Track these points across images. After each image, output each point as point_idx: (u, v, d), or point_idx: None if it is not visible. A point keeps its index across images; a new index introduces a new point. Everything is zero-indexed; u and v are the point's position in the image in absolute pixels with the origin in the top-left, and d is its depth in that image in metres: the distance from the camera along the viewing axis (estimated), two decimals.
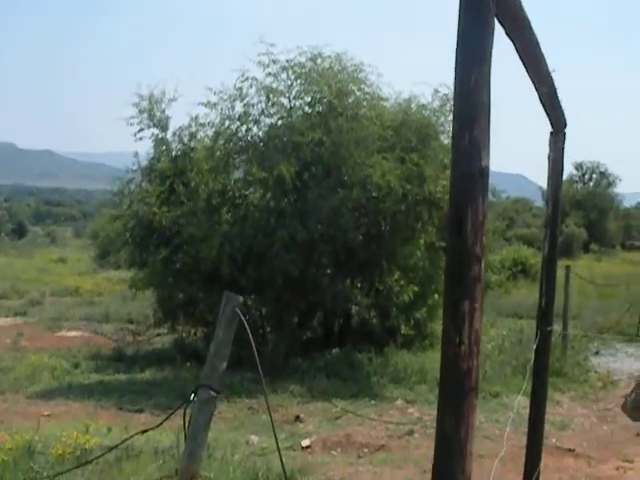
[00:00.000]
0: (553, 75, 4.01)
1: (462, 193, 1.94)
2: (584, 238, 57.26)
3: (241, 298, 3.69)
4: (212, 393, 3.60)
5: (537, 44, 3.26)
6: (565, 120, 4.94)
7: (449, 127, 14.36)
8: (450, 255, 1.99)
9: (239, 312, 3.62)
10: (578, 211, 61.87)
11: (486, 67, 1.97)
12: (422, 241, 14.19)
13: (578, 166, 66.75)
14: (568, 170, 67.20)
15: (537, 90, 3.93)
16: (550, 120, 4.68)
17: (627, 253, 57.83)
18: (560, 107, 4.59)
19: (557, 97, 4.32)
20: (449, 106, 13.93)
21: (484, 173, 1.92)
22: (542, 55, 3.44)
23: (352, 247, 13.10)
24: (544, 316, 4.84)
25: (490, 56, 2.00)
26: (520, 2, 2.58)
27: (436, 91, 14.20)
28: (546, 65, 3.67)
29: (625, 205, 77.92)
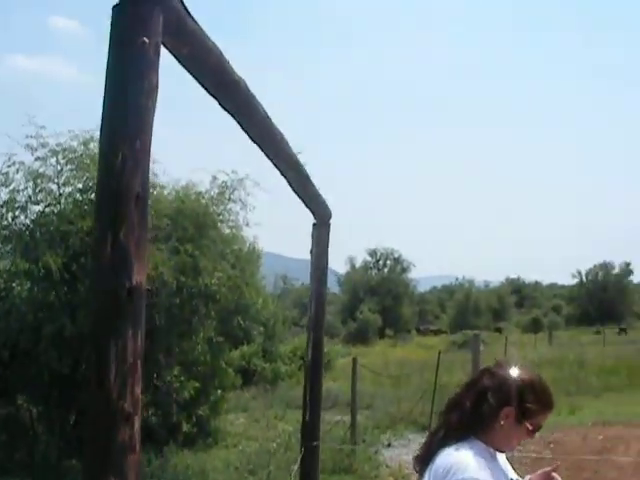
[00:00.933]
0: (301, 157, 3.58)
1: (102, 323, 1.30)
2: (379, 324, 58.35)
3: None
4: None
5: (266, 117, 2.76)
6: (329, 211, 4.51)
7: (229, 215, 13.88)
8: (89, 414, 1.34)
9: None
10: (373, 297, 63.25)
11: (142, 142, 1.39)
12: (201, 335, 13.54)
13: (372, 252, 68.60)
14: (362, 257, 68.87)
15: (283, 175, 3.45)
16: (311, 210, 4.23)
17: (422, 337, 59.40)
18: (319, 196, 4.14)
19: (311, 183, 3.85)
20: (228, 193, 13.52)
21: (137, 294, 1.31)
22: (277, 132, 2.95)
23: None
24: (310, 431, 4.28)
25: (150, 128, 1.41)
26: (223, 61, 2.07)
27: (214, 178, 13.71)
28: (287, 145, 3.19)
29: (419, 290, 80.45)
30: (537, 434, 2.83)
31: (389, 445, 14.36)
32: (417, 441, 14.72)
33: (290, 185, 3.69)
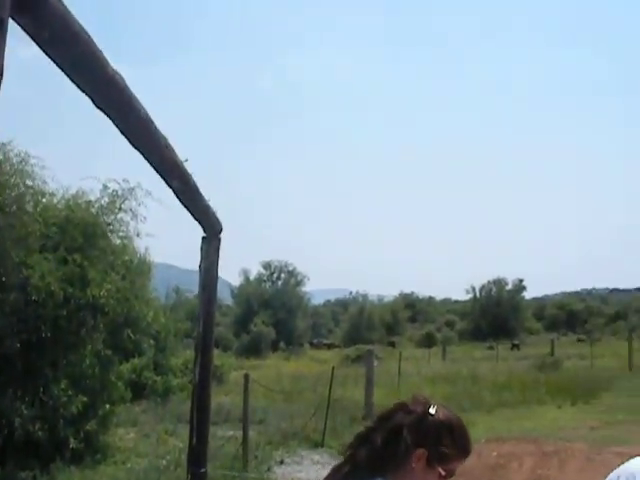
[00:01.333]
0: (188, 166, 3.29)
1: None
2: (272, 337, 58.14)
3: None
4: None
5: (149, 120, 2.49)
6: (220, 224, 4.24)
7: (120, 225, 13.47)
8: None
9: None
10: (267, 310, 62.99)
11: None
12: (90, 348, 13.08)
13: (266, 265, 68.30)
14: (256, 269, 68.54)
15: (168, 184, 3.16)
16: (200, 223, 3.95)
17: (315, 351, 59.37)
18: (209, 208, 3.87)
19: (200, 195, 3.57)
20: (119, 203, 13.11)
21: None
22: (161, 137, 2.65)
23: (10, 355, 11.75)
24: (196, 456, 3.98)
25: None
26: (93, 50, 1.76)
27: (105, 187, 13.27)
28: (172, 153, 2.89)
29: (313, 303, 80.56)
30: None
31: (282, 462, 14.05)
32: (310, 458, 14.50)
33: (176, 196, 3.41)
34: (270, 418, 17.87)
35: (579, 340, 63.37)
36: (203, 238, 4.05)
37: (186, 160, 3.10)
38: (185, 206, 3.58)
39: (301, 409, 18.26)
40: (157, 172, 2.92)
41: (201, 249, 4.05)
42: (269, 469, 13.09)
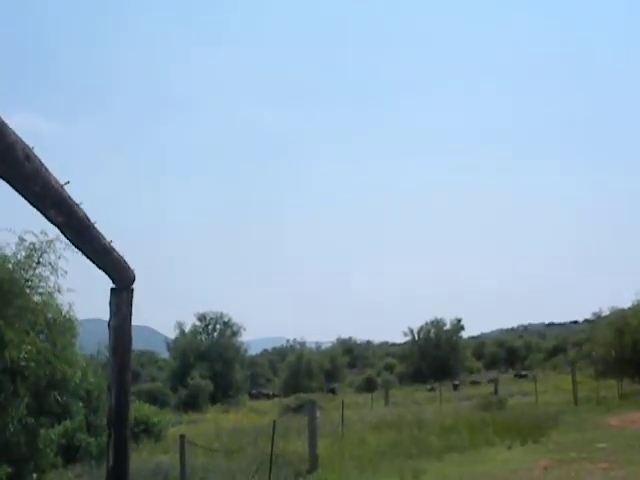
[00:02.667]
0: (85, 208, 2.65)
1: None
2: (210, 389, 56.85)
3: None
4: None
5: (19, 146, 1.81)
6: (133, 274, 3.53)
7: (39, 281, 12.55)
8: None
9: None
10: (203, 362, 61.71)
11: None
12: (12, 415, 12.10)
13: (201, 317, 67.03)
14: (191, 321, 67.24)
15: (61, 231, 2.50)
16: (105, 271, 3.24)
17: (255, 402, 58.31)
18: (116, 254, 3.17)
19: (98, 239, 2.88)
20: (37, 257, 12.21)
21: None
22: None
23: None
24: None
25: None
26: None
27: (22, 240, 12.36)
28: (63, 194, 2.24)
29: (250, 353, 79.32)
30: None
31: None
32: None
33: (76, 246, 2.71)
34: (211, 477, 16.88)
35: (519, 376, 63.44)
36: (112, 290, 3.30)
37: (81, 203, 2.43)
38: (86, 256, 2.84)
39: (243, 466, 17.20)
40: (59, 228, 2.22)
41: (110, 303, 3.30)
42: None
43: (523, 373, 67.18)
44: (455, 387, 57.76)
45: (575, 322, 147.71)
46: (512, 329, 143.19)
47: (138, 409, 28.01)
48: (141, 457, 21.05)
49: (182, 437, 11.23)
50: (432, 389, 58.85)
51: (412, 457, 19.35)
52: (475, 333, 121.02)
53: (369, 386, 66.45)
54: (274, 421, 16.36)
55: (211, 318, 67.20)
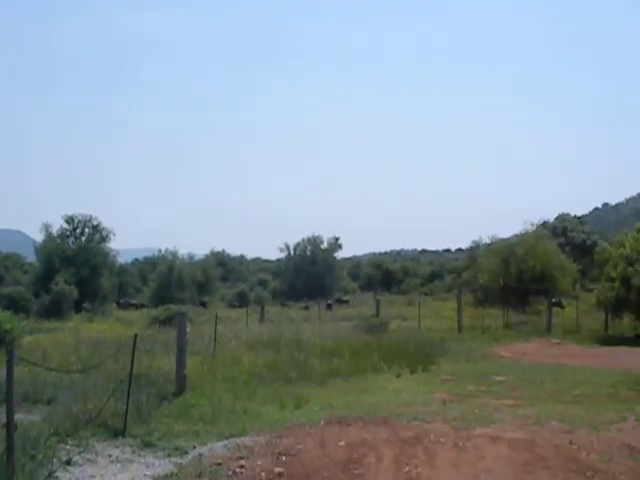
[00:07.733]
0: None
1: None
2: (75, 296, 53.79)
3: None
4: None
5: None
6: None
7: None
8: None
9: None
10: (69, 267, 58.39)
11: None
12: None
13: (69, 219, 63.19)
14: (59, 223, 63.43)
15: None
16: None
17: (122, 312, 55.71)
18: None
19: None
20: None
21: None
22: None
23: None
24: None
25: None
26: None
27: None
28: None
29: (121, 261, 75.83)
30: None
31: (68, 463, 10.54)
32: (106, 454, 11.14)
33: None
34: (61, 396, 14.34)
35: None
36: None
37: None
38: None
39: (99, 386, 14.57)
40: None
41: None
42: (50, 475, 9.69)
43: (400, 297, 66.59)
44: (329, 306, 56.40)
45: (448, 250, 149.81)
46: (385, 253, 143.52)
47: None
48: None
49: (11, 352, 8.68)
50: (306, 307, 57.64)
51: (292, 381, 17.46)
52: (348, 255, 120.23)
53: (242, 301, 64.73)
54: (135, 334, 13.87)
55: (79, 221, 63.33)
